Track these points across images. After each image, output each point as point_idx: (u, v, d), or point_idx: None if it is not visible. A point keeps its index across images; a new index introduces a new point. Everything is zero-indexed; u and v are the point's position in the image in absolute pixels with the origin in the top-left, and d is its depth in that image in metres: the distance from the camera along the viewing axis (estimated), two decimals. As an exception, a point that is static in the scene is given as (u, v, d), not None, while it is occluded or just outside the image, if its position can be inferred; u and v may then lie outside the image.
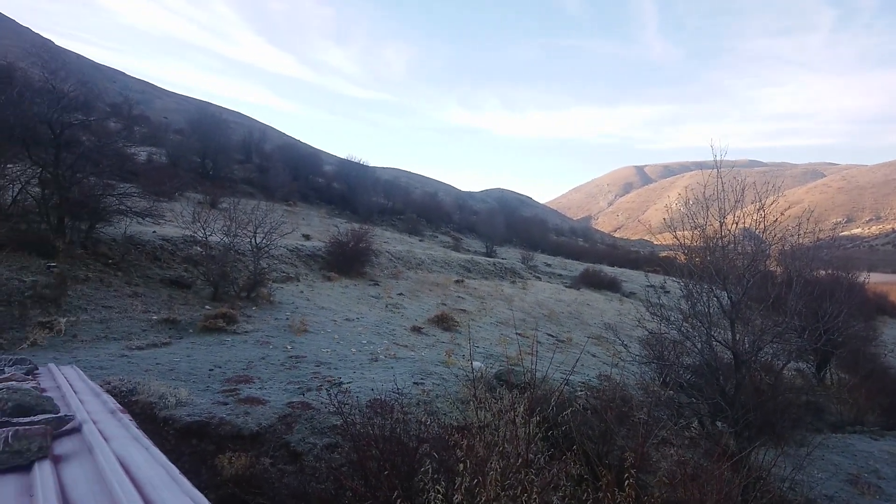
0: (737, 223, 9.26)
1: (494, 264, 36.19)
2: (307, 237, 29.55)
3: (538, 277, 37.30)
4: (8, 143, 16.38)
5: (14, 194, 16.80)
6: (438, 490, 3.46)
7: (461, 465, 3.64)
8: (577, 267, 44.18)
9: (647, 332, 11.01)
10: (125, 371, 9.04)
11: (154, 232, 19.02)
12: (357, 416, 6.72)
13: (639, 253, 71.88)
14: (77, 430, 3.01)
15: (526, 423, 4.60)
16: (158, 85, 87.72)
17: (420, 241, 41.49)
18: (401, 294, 22.61)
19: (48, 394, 3.90)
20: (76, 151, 17.22)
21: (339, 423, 7.82)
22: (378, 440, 5.49)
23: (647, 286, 20.75)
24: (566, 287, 34.42)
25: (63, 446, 2.73)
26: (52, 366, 5.62)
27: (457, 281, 27.89)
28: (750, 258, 8.87)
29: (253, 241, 18.15)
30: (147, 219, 18.35)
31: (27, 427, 2.54)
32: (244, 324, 14.02)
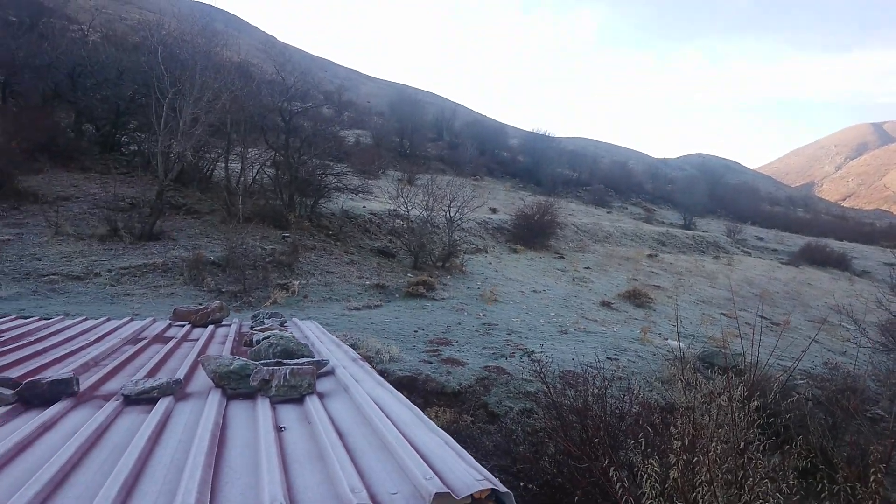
0: None
1: (693, 237, 33.48)
2: (494, 210, 30.35)
3: (747, 252, 33.61)
4: (248, 131, 19.46)
5: (254, 174, 19.97)
6: (652, 464, 3.45)
7: (676, 443, 3.57)
8: (796, 241, 38.77)
9: (893, 316, 9.38)
10: (347, 328, 10.37)
11: (364, 207, 21.18)
12: (547, 387, 6.86)
13: (874, 225, 60.25)
14: (331, 372, 3.62)
15: (742, 408, 4.33)
16: (362, 71, 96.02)
17: (608, 212, 39.97)
18: (588, 268, 22.18)
19: (302, 342, 4.70)
20: (301, 136, 19.88)
21: (533, 390, 8.12)
22: (576, 412, 5.59)
23: (888, 263, 17.46)
24: (782, 264, 30.50)
25: (322, 385, 3.29)
26: (295, 319, 6.70)
27: (649, 255, 26.43)
28: None
29: (447, 214, 19.22)
30: (359, 195, 20.46)
31: (300, 367, 3.14)
32: (440, 291, 15.03)
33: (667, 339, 12.48)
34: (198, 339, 4.88)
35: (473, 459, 1.97)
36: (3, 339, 4.71)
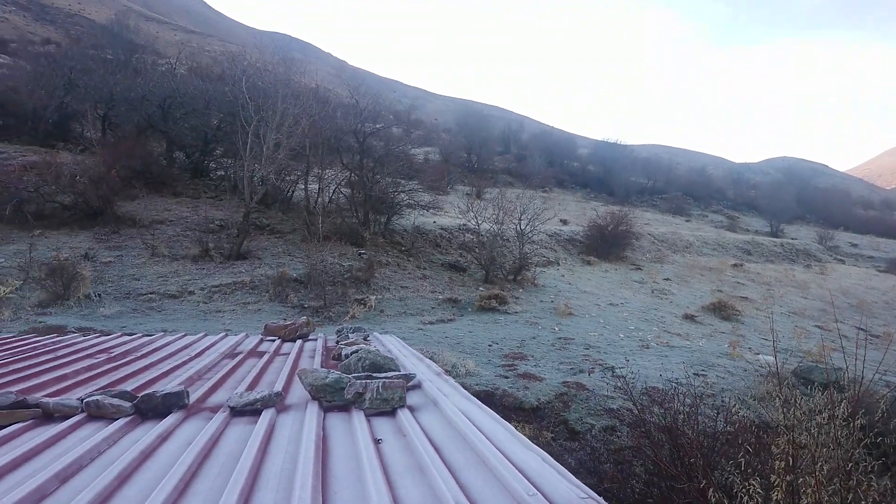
0: None
1: (782, 245, 31.53)
2: (564, 222, 29.88)
3: (840, 260, 31.27)
4: (325, 153, 20.25)
5: (330, 194, 20.72)
6: (753, 485, 3.26)
7: (778, 463, 3.36)
8: (893, 247, 35.68)
9: None
10: (423, 342, 10.49)
11: (434, 222, 21.46)
12: (634, 404, 6.63)
13: None
14: (418, 386, 3.67)
15: (846, 427, 4.02)
16: (428, 90, 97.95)
17: (686, 221, 38.40)
18: (667, 279, 21.35)
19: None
20: (373, 156, 20.50)
21: (615, 406, 7.87)
22: (666, 430, 5.37)
23: None
24: (879, 271, 28.15)
25: (411, 399, 3.35)
26: (376, 333, 6.85)
27: (734, 265, 25.10)
28: None
29: (518, 227, 19.13)
30: (429, 210, 20.77)
31: (391, 380, 3.21)
32: (513, 304, 14.92)
33: (758, 354, 11.77)
34: (289, 354, 5.09)
35: (574, 477, 1.93)
36: (113, 354, 5.11)
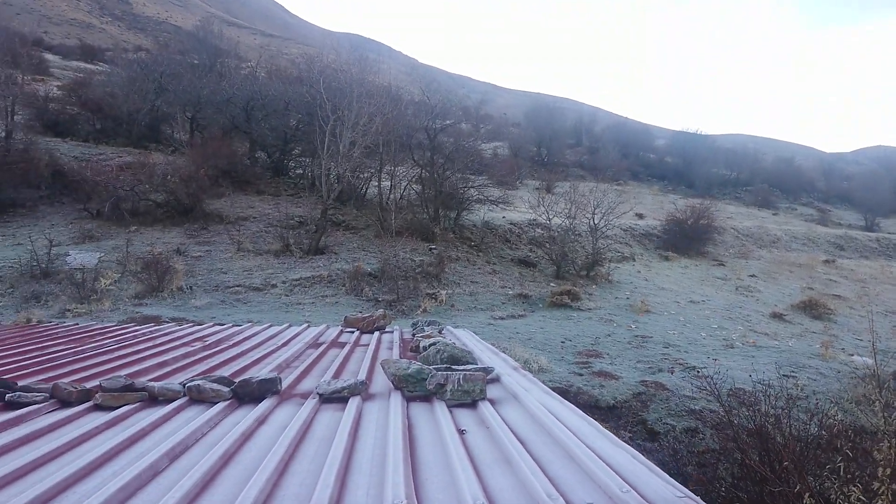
0: None
1: (878, 240, 29.09)
2: (640, 216, 28.90)
3: (948, 257, 28.44)
4: (397, 150, 20.62)
5: (402, 191, 21.07)
6: (854, 491, 3.05)
7: (882, 470, 3.13)
8: None
9: None
10: (493, 337, 10.48)
11: (503, 217, 21.36)
12: (721, 405, 6.33)
13: None
14: (497, 380, 3.68)
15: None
16: (497, 84, 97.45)
17: (773, 214, 36.16)
18: (753, 276, 20.21)
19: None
20: (444, 153, 20.66)
21: (697, 408, 7.55)
22: (755, 433, 5.11)
23: None
24: None
25: (491, 392, 3.35)
26: (449, 327, 6.91)
27: (825, 261, 23.42)
28: None
29: (591, 221, 18.70)
30: (499, 205, 20.70)
31: (472, 372, 3.24)
32: (586, 301, 14.62)
33: (852, 355, 10.93)
34: (368, 345, 5.24)
35: (668, 476, 1.88)
36: (207, 343, 5.45)
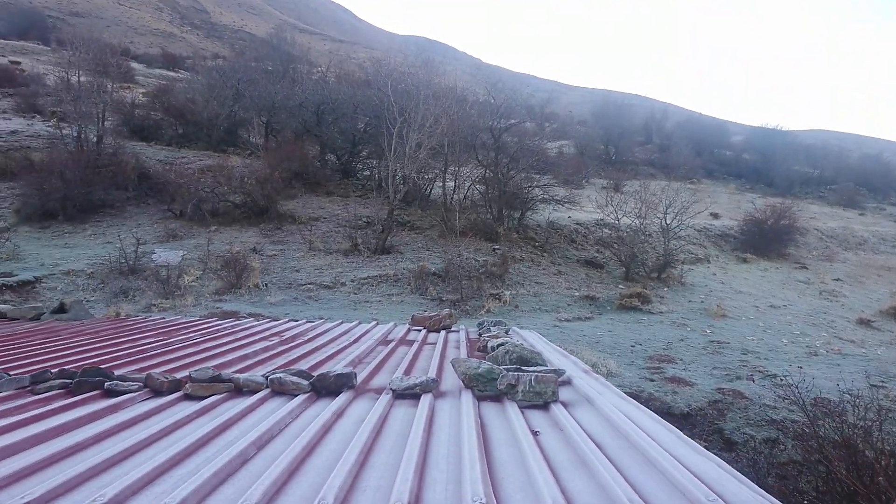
0: None
1: None
2: (715, 216, 27.62)
3: None
4: (461, 151, 20.71)
5: (465, 191, 21.13)
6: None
7: None
8: None
9: None
10: (559, 339, 10.33)
11: (569, 217, 21.01)
12: (806, 415, 5.97)
13: None
14: (568, 382, 3.63)
15: None
16: (563, 82, 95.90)
17: (860, 215, 33.62)
18: (838, 279, 18.89)
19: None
20: (508, 152, 20.55)
21: (778, 417, 7.15)
22: (843, 446, 4.78)
23: None
24: None
25: (563, 394, 3.31)
26: (515, 328, 6.87)
27: (924, 264, 21.53)
28: None
29: (663, 221, 18.07)
30: (564, 205, 20.38)
31: (543, 374, 3.21)
32: (657, 304, 14.14)
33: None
34: (435, 343, 5.30)
35: (757, 486, 1.79)
36: (284, 337, 5.68)
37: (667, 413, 7.41)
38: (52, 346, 4.79)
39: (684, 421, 7.27)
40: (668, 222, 18.03)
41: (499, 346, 4.39)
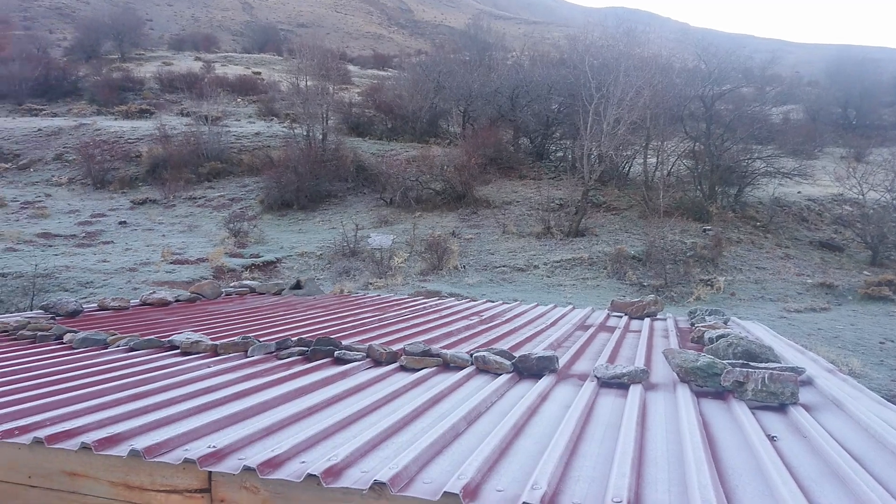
0: None
1: None
2: None
3: None
4: (666, 123, 19.14)
5: (670, 167, 19.53)
6: None
7: None
8: None
9: None
10: (788, 333, 9.00)
11: (799, 192, 18.21)
12: None
13: None
14: (809, 382, 3.11)
15: None
16: (787, 40, 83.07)
17: None
18: None
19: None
20: (722, 122, 18.45)
21: None
22: None
23: None
24: None
25: (803, 396, 2.83)
26: (736, 319, 6.14)
27: None
28: None
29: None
30: (793, 178, 17.70)
31: (780, 372, 2.79)
32: (920, 296, 11.58)
33: None
34: (640, 331, 4.99)
35: None
36: (483, 317, 5.84)
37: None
38: (291, 318, 5.57)
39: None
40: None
41: (719, 337, 3.95)
